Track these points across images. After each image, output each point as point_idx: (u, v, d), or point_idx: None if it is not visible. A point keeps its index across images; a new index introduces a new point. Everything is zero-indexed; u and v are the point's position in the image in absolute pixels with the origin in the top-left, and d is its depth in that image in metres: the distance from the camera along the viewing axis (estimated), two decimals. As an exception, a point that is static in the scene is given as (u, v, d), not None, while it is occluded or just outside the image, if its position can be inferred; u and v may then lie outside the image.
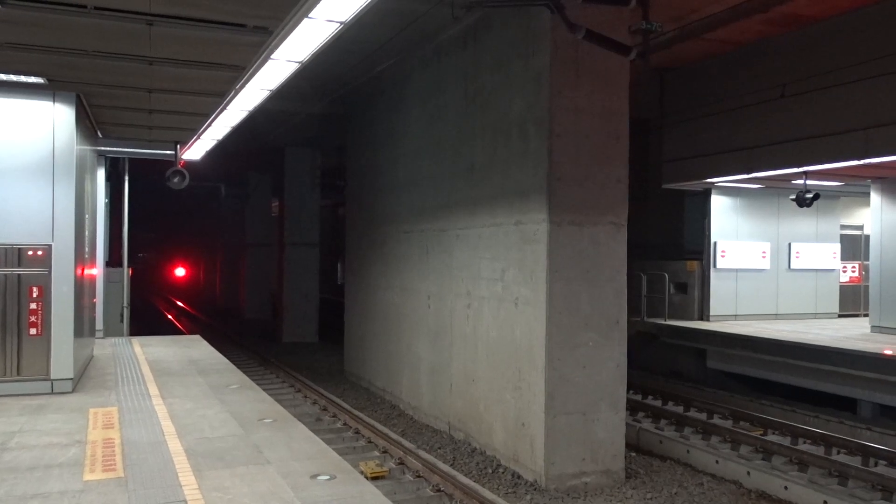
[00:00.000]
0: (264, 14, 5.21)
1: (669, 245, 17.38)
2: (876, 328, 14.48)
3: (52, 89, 7.65)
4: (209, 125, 9.75)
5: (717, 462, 9.26)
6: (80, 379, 8.78)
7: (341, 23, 5.54)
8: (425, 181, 11.69)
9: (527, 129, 8.78)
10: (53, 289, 7.81)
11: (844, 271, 18.21)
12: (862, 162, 10.80)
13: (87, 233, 9.65)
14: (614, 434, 8.64)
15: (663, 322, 15.70)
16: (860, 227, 18.75)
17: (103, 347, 11.69)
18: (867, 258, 16.74)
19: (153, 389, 8.32)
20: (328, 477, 5.22)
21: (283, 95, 8.89)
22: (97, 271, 11.84)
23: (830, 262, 17.24)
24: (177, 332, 22.84)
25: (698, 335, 14.71)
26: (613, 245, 8.66)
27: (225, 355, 11.60)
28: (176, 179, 10.95)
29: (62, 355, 7.88)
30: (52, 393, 7.87)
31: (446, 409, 10.85)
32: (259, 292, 28.93)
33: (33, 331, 7.76)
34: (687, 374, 15.41)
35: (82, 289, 8.89)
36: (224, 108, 8.48)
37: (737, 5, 10.41)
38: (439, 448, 10.01)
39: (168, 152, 11.13)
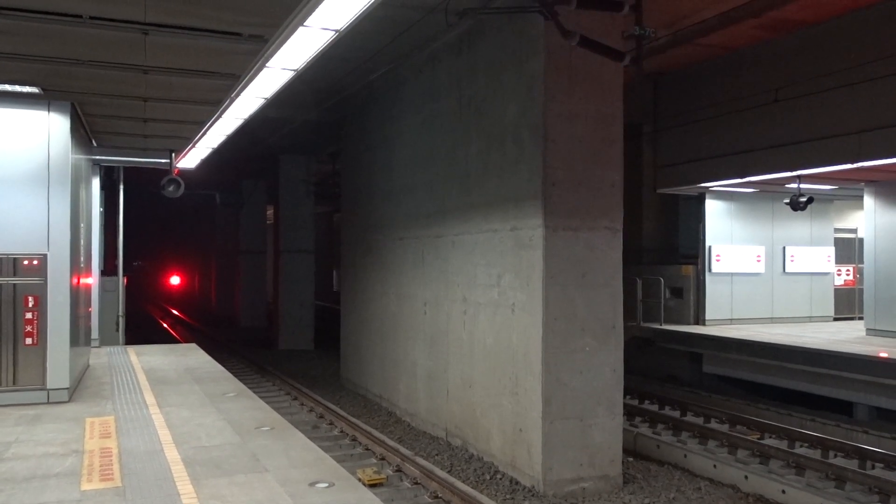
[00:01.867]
0: (259, 23, 5.23)
1: (665, 249, 17.43)
2: (871, 331, 14.52)
3: (47, 99, 7.65)
4: (204, 133, 9.75)
5: (714, 466, 9.27)
6: (77, 388, 8.76)
7: (336, 31, 5.56)
8: (420, 187, 11.70)
9: (521, 135, 8.80)
10: (49, 298, 7.79)
11: (839, 274, 18.27)
12: (855, 165, 10.87)
13: (82, 242, 9.64)
14: (612, 439, 8.65)
15: (659, 327, 15.72)
16: (854, 231, 18.82)
17: (99, 357, 11.66)
18: (861, 261, 16.79)
19: (150, 398, 8.30)
20: (326, 484, 5.21)
21: (278, 103, 8.90)
22: (92, 280, 11.81)
23: (825, 266, 17.30)
24: (172, 340, 22.78)
25: (694, 339, 14.73)
26: (609, 250, 8.69)
27: (221, 363, 11.57)
28: (171, 188, 10.96)
29: (58, 365, 7.86)
30: (49, 402, 7.85)
31: (443, 415, 10.85)
32: (254, 300, 28.85)
33: (29, 340, 7.74)
34: (683, 378, 15.44)
35: (78, 298, 8.87)
36: (219, 116, 8.48)
37: (729, 10, 10.47)
38: (437, 454, 10.00)
39: (163, 161, 11.13)
